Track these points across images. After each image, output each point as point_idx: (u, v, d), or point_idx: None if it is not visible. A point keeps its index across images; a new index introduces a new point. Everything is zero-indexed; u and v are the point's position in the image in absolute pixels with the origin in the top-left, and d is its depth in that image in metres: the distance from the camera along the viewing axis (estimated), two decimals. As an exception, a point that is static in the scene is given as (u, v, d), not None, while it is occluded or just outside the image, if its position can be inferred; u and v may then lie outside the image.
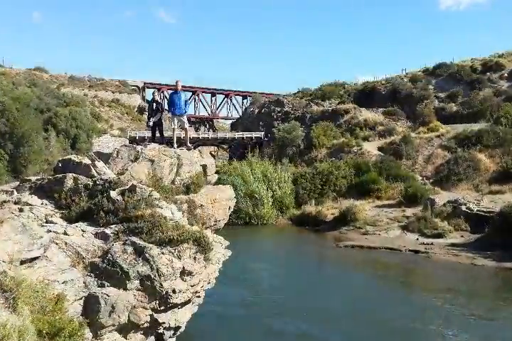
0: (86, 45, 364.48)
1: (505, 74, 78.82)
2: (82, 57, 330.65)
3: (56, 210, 13.26)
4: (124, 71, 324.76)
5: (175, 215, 13.27)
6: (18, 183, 14.87)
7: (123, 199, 12.91)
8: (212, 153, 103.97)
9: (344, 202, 51.15)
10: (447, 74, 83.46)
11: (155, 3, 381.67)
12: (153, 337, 12.54)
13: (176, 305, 12.32)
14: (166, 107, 20.10)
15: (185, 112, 19.32)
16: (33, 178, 14.92)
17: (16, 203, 13.01)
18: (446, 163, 57.60)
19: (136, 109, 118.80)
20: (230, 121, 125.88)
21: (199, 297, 14.12)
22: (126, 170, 15.18)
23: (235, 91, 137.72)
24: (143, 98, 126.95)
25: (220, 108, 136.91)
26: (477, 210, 42.08)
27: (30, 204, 13.01)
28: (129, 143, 64.27)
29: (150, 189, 13.67)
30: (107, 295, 10.84)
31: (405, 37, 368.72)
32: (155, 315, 11.86)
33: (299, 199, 55.82)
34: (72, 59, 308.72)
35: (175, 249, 11.96)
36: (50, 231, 11.68)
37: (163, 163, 16.01)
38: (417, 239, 40.96)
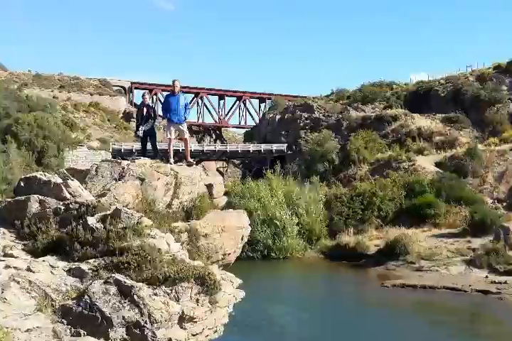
0: (57, 35, 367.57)
1: None
2: (51, 50, 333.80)
3: (17, 241, 13.09)
4: (105, 68, 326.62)
5: (171, 247, 13.10)
6: (-33, 207, 14.89)
7: (104, 228, 12.67)
8: (221, 169, 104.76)
9: (391, 231, 51.41)
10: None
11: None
12: None
13: (173, 360, 12.25)
14: (160, 113, 20.26)
15: (185, 119, 19.33)
16: (-13, 201, 14.90)
17: (-36, 232, 13.10)
18: (524, 182, 57.66)
19: (121, 115, 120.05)
20: (244, 131, 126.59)
21: (203, 349, 13.98)
22: (108, 190, 15.02)
23: (250, 92, 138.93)
24: (130, 101, 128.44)
25: (230, 114, 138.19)
26: None
27: (-17, 234, 13.09)
28: (112, 157, 65.07)
29: (139, 214, 13.48)
30: (84, 346, 10.92)
31: (470, 26, 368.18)
32: (146, 373, 11.75)
33: (333, 227, 56.24)
34: (39, 53, 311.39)
35: (171, 289, 11.70)
36: (10, 266, 11.53)
37: (157, 183, 15.97)
38: (487, 277, 41.06)
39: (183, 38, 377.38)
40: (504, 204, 55.39)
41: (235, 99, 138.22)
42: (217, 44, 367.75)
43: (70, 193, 14.17)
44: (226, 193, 26.88)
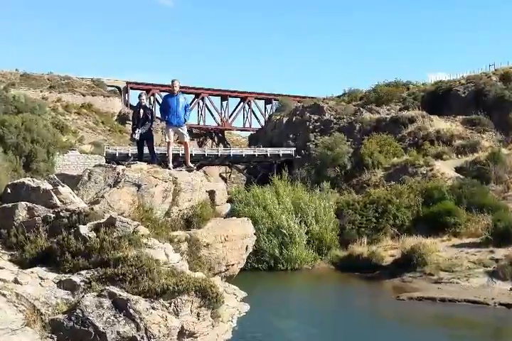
0: (46, 33, 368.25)
1: None
2: (40, 49, 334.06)
3: (4, 251, 13.10)
4: (99, 67, 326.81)
5: (170, 258, 13.19)
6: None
7: (97, 237, 12.67)
8: (223, 175, 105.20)
9: (408, 241, 51.34)
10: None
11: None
12: None
13: (172, 379, 12.25)
14: (158, 115, 20.37)
15: (185, 121, 19.54)
16: (-28, 209, 14.81)
17: None
18: (551, 188, 57.77)
19: (115, 117, 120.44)
20: (248, 133, 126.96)
21: (205, 367, 13.93)
22: (102, 197, 15.04)
23: (255, 93, 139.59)
24: (125, 103, 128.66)
25: (233, 115, 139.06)
26: None
27: (-33, 244, 13.04)
28: (106, 162, 65.27)
29: (135, 223, 13.54)
30: (75, 364, 10.81)
31: (492, 23, 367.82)
32: None
33: (345, 236, 56.43)
34: (27, 52, 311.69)
35: (170, 303, 11.67)
36: (-4, 278, 11.76)
37: (154, 189, 16.04)
38: (511, 289, 41.29)
39: (182, 35, 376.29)
40: (530, 212, 55.30)
41: (238, 99, 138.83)
42: (220, 41, 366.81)
43: (61, 200, 14.21)
44: (229, 200, 27.02)
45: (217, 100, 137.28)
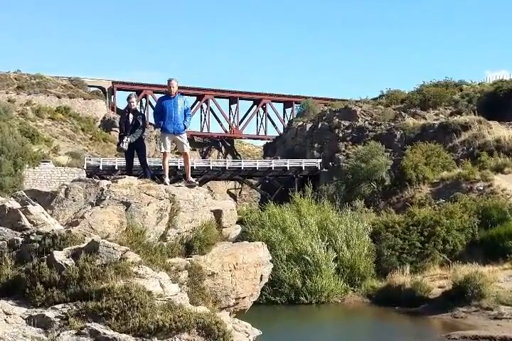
0: (11, 25, 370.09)
1: None
2: (4, 43, 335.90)
3: None
4: (78, 64, 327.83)
5: (166, 289, 13.13)
6: None
7: (76, 265, 12.65)
8: (232, 191, 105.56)
9: (461, 269, 51.25)
10: None
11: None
12: None
13: None
14: (152, 120, 20.81)
15: (185, 128, 19.80)
16: None
17: None
18: None
19: (99, 123, 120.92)
20: (263, 142, 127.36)
21: None
22: (82, 218, 15.22)
23: (271, 95, 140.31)
24: (111, 106, 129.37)
25: (245, 121, 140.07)
26: None
27: None
28: (87, 176, 65.78)
29: (123, 248, 13.54)
30: None
31: None
32: None
33: (383, 264, 56.70)
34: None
35: None
36: (-46, 314, 11.70)
37: (146, 208, 16.29)
38: None
39: (181, 26, 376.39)
40: None
41: (251, 102, 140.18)
42: (227, 33, 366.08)
43: (31, 221, 14.33)
44: (239, 221, 27.34)
45: (224, 103, 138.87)
